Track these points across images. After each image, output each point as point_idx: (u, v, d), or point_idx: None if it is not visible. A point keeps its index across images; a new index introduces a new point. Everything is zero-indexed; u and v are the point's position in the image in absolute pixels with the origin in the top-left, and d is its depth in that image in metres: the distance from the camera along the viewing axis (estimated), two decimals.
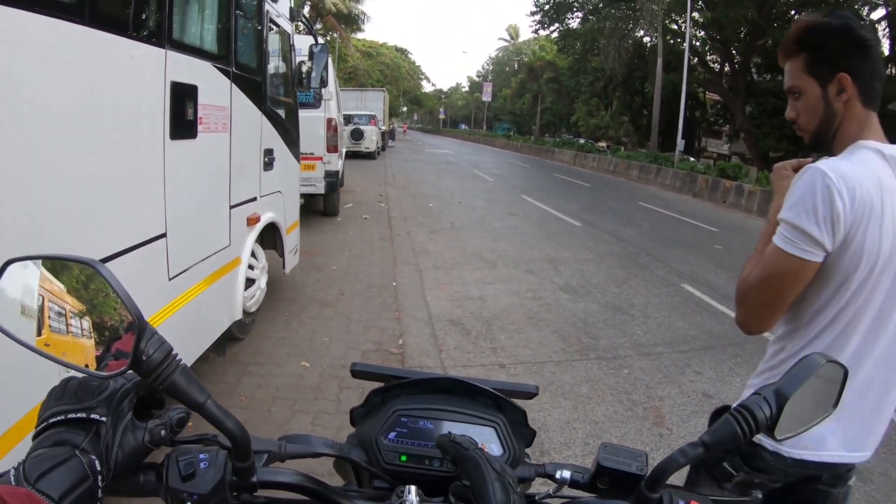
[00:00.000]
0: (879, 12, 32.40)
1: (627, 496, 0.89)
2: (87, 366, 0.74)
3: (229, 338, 5.02)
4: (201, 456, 0.82)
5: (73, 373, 0.76)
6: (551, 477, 1.01)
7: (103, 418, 0.75)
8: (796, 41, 1.77)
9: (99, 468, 0.71)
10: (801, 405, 0.84)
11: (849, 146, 1.65)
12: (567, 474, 0.99)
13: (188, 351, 3.85)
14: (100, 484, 0.71)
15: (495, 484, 0.79)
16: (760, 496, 0.87)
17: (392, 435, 1.03)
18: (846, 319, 1.62)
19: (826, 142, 1.76)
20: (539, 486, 1.06)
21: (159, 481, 0.80)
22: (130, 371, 0.72)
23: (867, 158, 1.59)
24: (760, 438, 1.69)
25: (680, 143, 27.83)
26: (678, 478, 0.90)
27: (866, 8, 33.02)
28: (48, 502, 0.64)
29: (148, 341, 0.71)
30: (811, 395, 0.86)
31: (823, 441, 1.67)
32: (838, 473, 1.76)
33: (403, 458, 1.02)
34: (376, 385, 1.13)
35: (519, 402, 1.15)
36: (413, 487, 0.89)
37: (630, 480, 0.89)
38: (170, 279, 3.41)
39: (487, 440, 1.03)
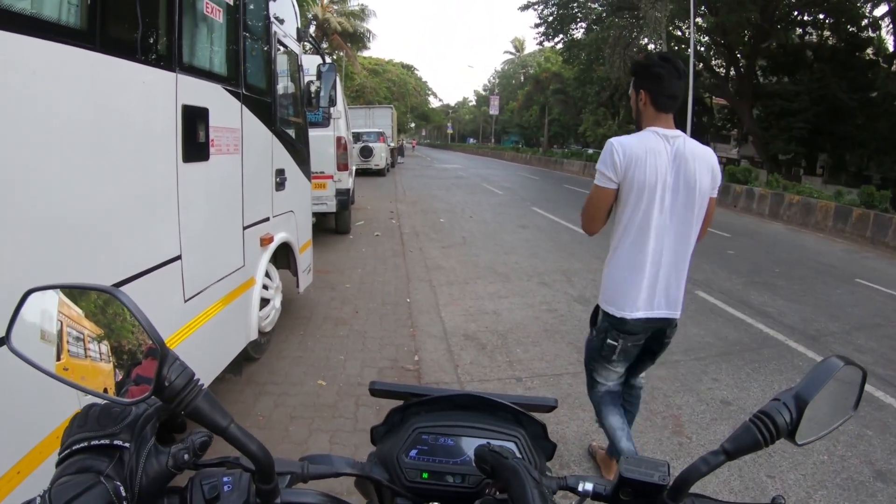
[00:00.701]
0: (882, 8, 32.31)
1: None
2: (106, 391, 0.75)
3: (245, 358, 5.02)
4: (225, 479, 0.82)
5: (93, 399, 0.77)
6: (573, 490, 1.00)
7: (127, 444, 0.75)
8: (630, 71, 3.26)
9: (124, 494, 0.71)
10: (820, 408, 0.84)
11: (643, 129, 3.05)
12: (589, 486, 0.98)
13: (205, 372, 3.86)
14: None
15: (534, 492, 0.79)
16: (783, 502, 0.87)
17: (413, 452, 1.03)
18: (639, 222, 3.05)
19: (638, 127, 3.13)
20: (561, 500, 1.05)
21: None
22: (152, 397, 0.72)
23: (645, 135, 2.99)
24: (607, 306, 3.28)
25: None
26: (700, 486, 0.89)
27: (869, 5, 32.98)
28: None
29: (170, 367, 0.72)
30: (830, 398, 0.85)
31: (659, 302, 3.17)
32: (669, 325, 3.32)
33: (425, 475, 1.02)
34: (395, 403, 1.13)
35: (538, 416, 1.15)
36: None
37: (653, 491, 0.88)
38: (185, 301, 3.43)
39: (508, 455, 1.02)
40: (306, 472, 0.96)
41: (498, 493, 0.91)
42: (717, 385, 5.44)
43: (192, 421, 0.79)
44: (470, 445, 1.03)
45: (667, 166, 2.95)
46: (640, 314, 3.17)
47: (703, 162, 3.00)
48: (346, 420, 4.44)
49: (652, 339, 3.40)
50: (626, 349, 3.33)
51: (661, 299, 3.19)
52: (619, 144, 2.96)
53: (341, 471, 1.00)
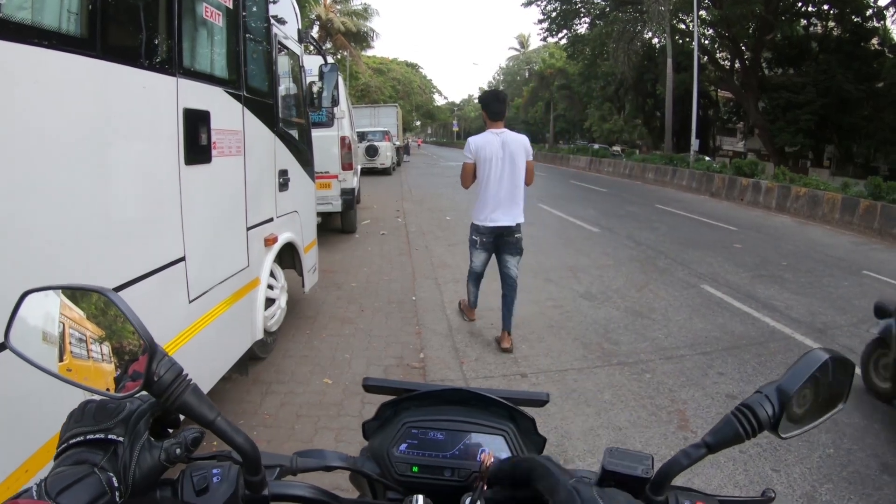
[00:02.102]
0: None
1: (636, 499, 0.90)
2: (107, 389, 0.77)
3: (251, 357, 5.06)
4: (214, 471, 0.84)
5: (91, 395, 0.79)
6: None
7: (120, 438, 0.78)
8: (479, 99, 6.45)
9: (116, 485, 0.74)
10: (806, 401, 0.84)
11: (486, 130, 5.85)
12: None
13: (211, 372, 3.90)
14: (117, 500, 0.73)
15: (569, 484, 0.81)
16: (774, 495, 0.87)
17: (403, 447, 1.05)
18: (486, 176, 5.70)
19: (488, 127, 5.85)
20: None
21: (175, 497, 0.83)
22: (145, 392, 0.75)
23: (485, 134, 5.79)
24: (473, 220, 5.99)
25: (694, 143, 27.72)
26: (705, 480, 0.90)
27: None
28: None
29: (159, 363, 0.75)
30: (817, 391, 0.85)
31: (499, 218, 5.75)
32: (507, 230, 5.84)
33: (415, 468, 1.03)
34: (389, 398, 1.15)
35: (531, 410, 1.16)
36: (421, 497, 0.91)
37: (636, 483, 0.89)
38: (190, 301, 3.46)
39: (497, 449, 1.04)
40: (295, 465, 0.98)
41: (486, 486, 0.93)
42: (722, 379, 5.44)
43: (182, 415, 0.81)
44: (459, 439, 1.05)
45: (498, 148, 5.72)
46: (488, 224, 5.88)
47: (518, 143, 5.80)
48: (351, 418, 4.47)
49: (499, 238, 6.01)
50: (482, 242, 6.05)
51: (499, 215, 5.84)
52: (472, 140, 5.88)
53: (331, 464, 1.01)
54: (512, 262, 6.11)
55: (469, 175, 5.89)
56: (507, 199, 5.76)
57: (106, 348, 0.79)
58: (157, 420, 0.85)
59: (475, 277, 6.49)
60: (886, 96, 32.23)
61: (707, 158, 31.99)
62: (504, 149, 5.69)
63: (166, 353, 0.77)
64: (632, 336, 6.54)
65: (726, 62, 40.22)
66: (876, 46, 35.93)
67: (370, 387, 1.20)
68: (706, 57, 37.14)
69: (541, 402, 1.21)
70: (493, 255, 6.21)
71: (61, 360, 0.79)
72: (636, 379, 5.40)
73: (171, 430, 0.89)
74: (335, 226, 12.01)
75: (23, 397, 2.09)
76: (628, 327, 6.83)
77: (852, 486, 3.87)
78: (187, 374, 0.78)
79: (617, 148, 49.20)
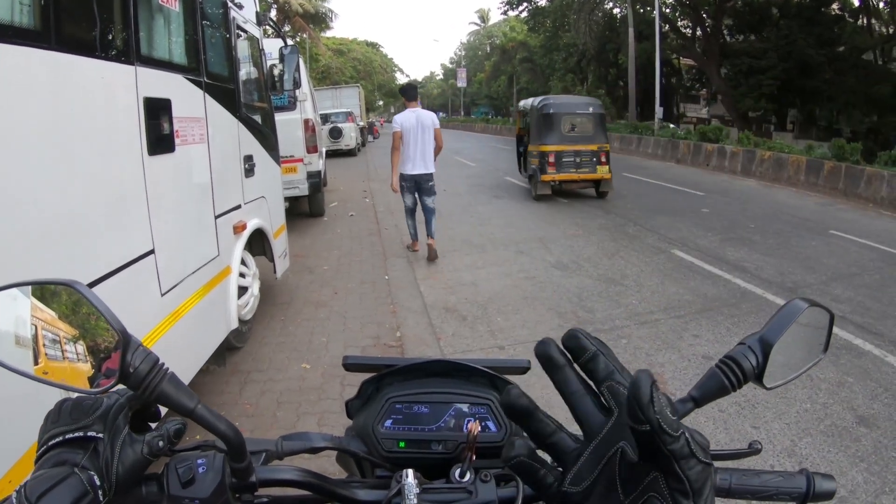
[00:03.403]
0: None
1: None
2: (83, 387, 0.76)
3: (228, 347, 5.02)
4: (199, 461, 0.82)
5: (66, 394, 0.77)
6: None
7: (100, 435, 0.76)
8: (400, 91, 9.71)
9: (99, 483, 0.72)
10: (788, 351, 0.84)
11: (406, 109, 8.34)
12: None
13: (188, 364, 3.86)
14: (101, 499, 0.72)
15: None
16: (760, 447, 0.87)
17: (388, 422, 1.04)
18: (406, 141, 8.19)
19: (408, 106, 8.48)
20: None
21: (161, 491, 0.81)
22: (122, 386, 0.73)
23: (406, 111, 8.30)
24: (400, 171, 8.43)
25: (658, 111, 27.84)
26: None
27: None
28: None
29: (133, 353, 0.72)
30: (798, 341, 0.85)
31: (416, 168, 8.26)
32: (426, 177, 8.38)
33: (402, 444, 1.02)
34: (370, 376, 1.14)
35: (514, 378, 1.16)
36: (410, 471, 0.90)
37: None
38: (162, 294, 3.41)
39: (483, 417, 1.04)
40: (281, 449, 0.97)
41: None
42: (697, 341, 5.52)
43: (161, 406, 0.80)
44: (444, 411, 1.04)
45: (414, 121, 8.07)
46: (408, 172, 8.27)
47: (428, 117, 8.22)
48: (332, 401, 4.46)
49: (418, 183, 8.39)
50: (407, 186, 8.45)
51: (417, 165, 8.23)
52: (397, 117, 8.28)
53: (317, 445, 1.01)
54: (428, 200, 8.55)
55: (398, 140, 8.24)
56: (420, 156, 8.27)
57: (81, 347, 0.77)
58: (137, 414, 0.83)
59: (409, 213, 8.85)
60: (847, 60, 32.76)
61: (671, 126, 32.18)
62: (418, 121, 8.16)
63: (140, 344, 0.74)
64: (606, 303, 6.60)
65: (688, 30, 40.47)
66: (836, 11, 36.42)
67: (350, 365, 1.19)
68: (668, 25, 37.32)
69: (522, 370, 1.20)
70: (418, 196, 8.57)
71: (36, 363, 0.76)
72: (613, 345, 5.38)
73: (151, 424, 0.87)
74: (303, 210, 11.91)
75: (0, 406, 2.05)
76: (602, 295, 6.89)
77: (830, 439, 3.96)
78: (163, 363, 0.76)
79: None
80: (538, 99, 14.84)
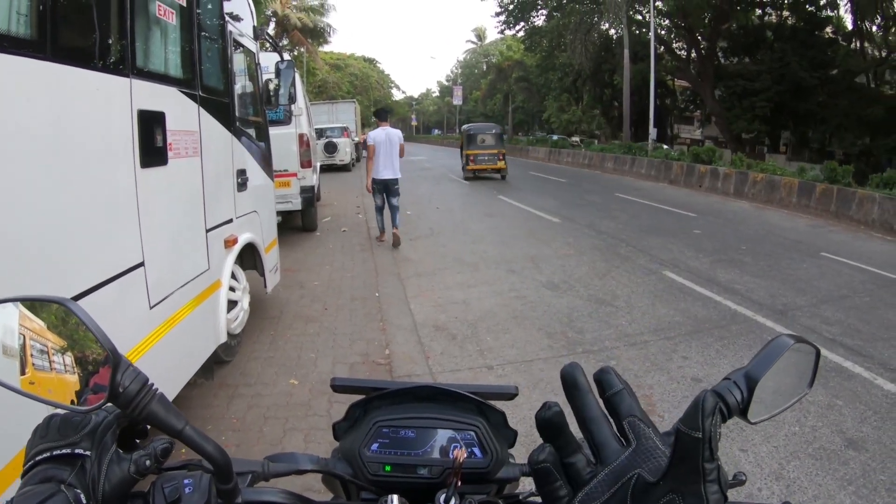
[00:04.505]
0: None
1: None
2: (72, 402, 0.76)
3: (216, 361, 5.00)
4: (185, 481, 0.82)
5: (56, 409, 0.77)
6: None
7: (87, 452, 0.76)
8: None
9: (85, 501, 0.72)
10: (773, 386, 0.85)
11: (378, 127, 10.76)
12: None
13: (176, 377, 3.85)
14: None
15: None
16: (745, 478, 0.88)
17: (375, 446, 1.04)
18: (377, 152, 10.51)
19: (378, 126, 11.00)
20: (525, 486, 1.08)
21: None
22: (110, 404, 0.73)
23: (378, 130, 10.68)
24: (373, 176, 10.71)
25: (652, 132, 28.00)
26: None
27: None
28: None
29: (123, 373, 0.73)
30: (784, 376, 0.86)
31: (384, 174, 10.57)
32: (392, 181, 10.68)
33: (388, 468, 1.02)
34: (357, 398, 1.14)
35: (501, 404, 1.16)
36: (396, 497, 0.90)
37: None
38: (151, 307, 3.40)
39: (469, 444, 1.04)
40: (267, 470, 0.97)
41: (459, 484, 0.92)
42: (687, 363, 5.52)
43: (149, 426, 0.80)
44: (430, 436, 1.05)
45: (384, 137, 10.50)
46: (379, 177, 10.53)
47: (395, 134, 10.69)
48: (319, 418, 4.45)
49: (385, 186, 10.58)
50: (377, 189, 10.66)
51: (386, 172, 10.52)
52: (371, 133, 10.70)
53: (303, 467, 1.01)
54: (394, 199, 10.84)
55: (372, 151, 10.56)
56: (387, 164, 10.58)
57: (69, 359, 0.77)
58: (125, 431, 0.84)
59: (378, 210, 11.16)
60: (840, 83, 33.14)
61: (665, 147, 32.38)
62: (387, 137, 10.56)
63: (130, 363, 0.75)
64: (596, 324, 6.59)
65: (683, 52, 40.80)
66: (830, 35, 36.95)
67: (338, 387, 1.19)
68: (663, 47, 37.62)
69: (510, 396, 1.20)
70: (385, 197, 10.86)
71: (23, 373, 0.76)
72: (602, 366, 5.43)
73: (139, 441, 0.87)
74: (296, 224, 11.91)
75: None
76: (592, 315, 6.89)
77: (819, 462, 3.96)
78: (153, 384, 0.76)
79: (576, 138, 49.50)
80: (465, 126, 27.23)
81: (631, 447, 0.73)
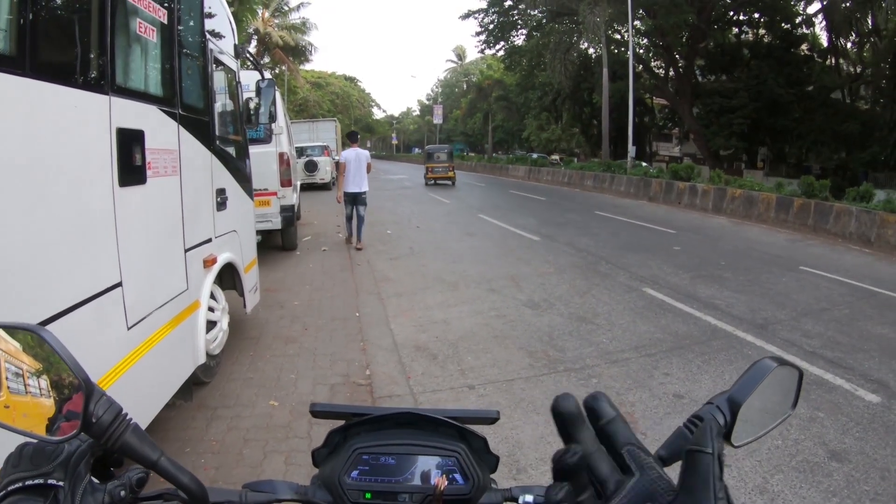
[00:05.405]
0: (815, 6, 33.65)
1: None
2: (47, 430, 0.74)
3: (195, 382, 4.94)
4: None
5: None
6: (515, 501, 1.01)
7: (60, 483, 0.75)
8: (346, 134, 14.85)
9: None
10: (757, 409, 0.85)
11: (349, 148, 12.54)
12: (530, 499, 0.99)
13: (154, 399, 3.80)
14: None
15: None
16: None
17: (354, 473, 1.02)
18: (348, 170, 12.28)
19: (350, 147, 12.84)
20: None
21: None
22: (83, 434, 0.72)
23: (349, 150, 12.44)
24: (345, 190, 12.45)
25: (631, 150, 28.27)
26: None
27: (802, 3, 34.26)
28: None
29: (97, 403, 0.72)
30: (767, 399, 0.87)
31: (352, 188, 12.40)
32: (360, 194, 12.38)
33: (368, 495, 1.01)
34: (337, 424, 1.13)
35: (483, 428, 1.15)
36: None
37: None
38: (129, 328, 3.36)
39: (450, 471, 1.03)
40: (245, 500, 0.96)
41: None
42: (668, 379, 5.54)
43: (124, 456, 0.78)
44: (411, 463, 1.04)
45: (354, 156, 12.28)
46: (349, 190, 12.32)
47: (363, 154, 12.48)
48: (300, 440, 4.41)
49: (355, 199, 12.33)
50: (347, 200, 12.43)
51: (354, 186, 12.29)
52: (344, 153, 12.52)
53: (282, 496, 0.99)
54: (361, 209, 12.43)
55: (343, 168, 12.27)
56: (356, 180, 12.29)
57: (44, 382, 0.75)
58: (100, 460, 0.82)
59: (348, 219, 12.78)
60: (816, 99, 33.77)
61: (644, 164, 32.77)
62: (357, 156, 12.26)
63: (104, 392, 0.74)
64: (577, 342, 6.60)
65: (661, 70, 41.27)
66: (805, 52, 37.66)
67: (318, 412, 1.17)
68: (641, 66, 38.01)
69: (491, 420, 1.19)
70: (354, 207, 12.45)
71: None
72: (583, 384, 5.45)
73: (113, 470, 0.86)
74: (275, 243, 11.87)
75: None
76: (573, 333, 6.90)
77: (802, 475, 3.99)
78: (126, 414, 0.75)
79: (555, 157, 49.95)
80: (427, 147, 38.32)
81: (634, 477, 0.72)
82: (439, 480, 0.94)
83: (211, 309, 5.00)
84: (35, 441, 0.77)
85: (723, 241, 13.41)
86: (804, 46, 37.82)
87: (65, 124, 2.75)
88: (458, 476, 1.02)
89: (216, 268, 5.02)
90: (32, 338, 0.75)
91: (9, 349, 0.75)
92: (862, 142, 31.58)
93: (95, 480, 0.79)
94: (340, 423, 1.11)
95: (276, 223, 10.64)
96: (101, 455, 0.82)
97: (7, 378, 0.74)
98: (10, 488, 0.74)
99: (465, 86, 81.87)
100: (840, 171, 31.94)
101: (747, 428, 0.82)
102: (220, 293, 5.37)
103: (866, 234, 13.15)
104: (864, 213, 13.38)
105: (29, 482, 0.74)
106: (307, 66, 55.99)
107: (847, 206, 14.15)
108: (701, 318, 7.43)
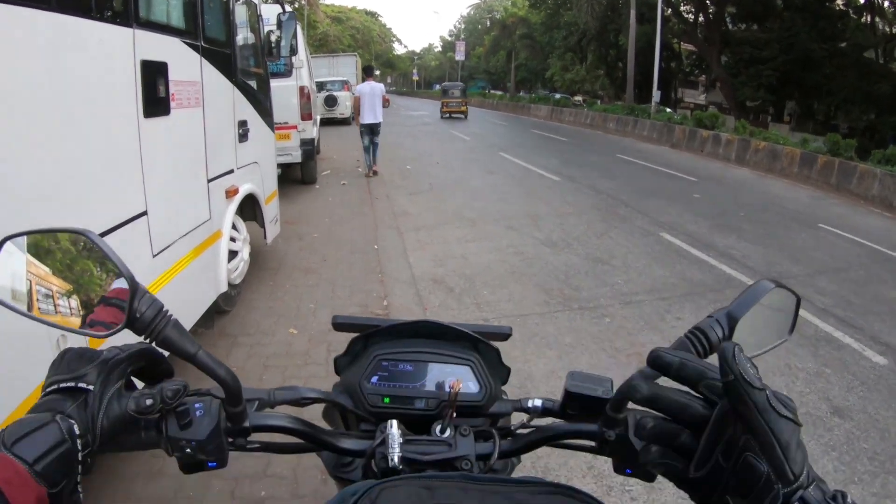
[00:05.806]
0: None
1: (596, 419, 0.95)
2: (83, 325, 0.80)
3: (216, 311, 5.07)
4: (196, 405, 0.87)
5: (70, 343, 0.81)
6: (526, 409, 1.07)
7: (90, 386, 0.78)
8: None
9: (79, 433, 0.73)
10: (755, 329, 0.89)
11: (365, 82, 13.42)
12: (539, 403, 1.05)
13: None
14: (79, 448, 0.73)
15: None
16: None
17: (374, 379, 1.08)
18: (364, 102, 13.02)
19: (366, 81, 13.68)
20: (517, 421, 1.13)
21: (159, 434, 0.85)
22: (125, 342, 0.77)
23: (364, 84, 13.34)
24: (361, 120, 13.28)
25: (656, 95, 27.72)
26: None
27: None
28: (22, 464, 0.66)
29: (140, 300, 0.77)
30: (765, 321, 0.91)
31: (369, 119, 12.99)
32: (376, 124, 13.17)
33: (386, 399, 1.06)
34: (358, 335, 1.18)
35: (498, 343, 1.20)
36: (395, 422, 0.95)
37: (597, 404, 0.94)
38: (154, 256, 3.45)
39: (464, 378, 1.07)
40: (273, 398, 1.03)
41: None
42: (680, 323, 5.59)
43: (164, 350, 0.84)
44: (427, 370, 1.09)
45: (370, 90, 13.00)
46: (365, 122, 13.04)
47: (378, 87, 13.16)
48: (318, 367, 4.52)
49: (371, 129, 13.08)
50: (364, 132, 13.20)
51: (370, 117, 12.98)
52: (359, 87, 13.66)
53: (307, 396, 1.05)
54: (377, 138, 13.30)
55: (358, 102, 13.14)
56: (372, 111, 12.92)
57: (74, 302, 0.81)
58: (147, 372, 0.87)
59: (366, 150, 13.45)
60: (849, 56, 32.79)
61: (668, 110, 32.12)
62: (372, 90, 12.94)
63: (147, 291, 0.79)
64: (592, 282, 6.66)
65: (690, 15, 40.22)
66: (841, 7, 36.35)
67: (339, 324, 1.22)
68: (670, 9, 37.08)
69: (504, 336, 1.24)
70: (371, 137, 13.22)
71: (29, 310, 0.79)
72: (596, 323, 5.52)
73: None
74: (295, 177, 11.89)
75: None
76: (588, 273, 6.95)
77: (804, 428, 4.02)
78: (167, 310, 0.80)
79: (579, 98, 49.10)
80: (442, 84, 46.19)
81: (717, 407, 0.75)
82: (454, 383, 0.99)
83: (232, 239, 5.09)
84: (77, 347, 0.83)
85: (744, 193, 13.24)
86: (840, 1, 36.60)
87: (90, 57, 2.79)
88: (471, 383, 1.08)
89: (238, 198, 5.08)
90: (62, 261, 0.80)
91: (39, 272, 0.80)
92: (893, 104, 30.54)
93: (124, 390, 0.83)
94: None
95: (295, 156, 10.64)
96: (149, 367, 0.88)
97: (38, 300, 0.79)
98: (48, 390, 0.78)
99: (488, 23, 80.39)
100: (868, 133, 31.16)
101: (745, 345, 0.86)
102: (241, 223, 5.45)
103: (889, 197, 12.83)
104: (888, 177, 13.03)
105: (63, 384, 0.78)
106: (327, 1, 55.17)
107: (871, 167, 13.78)
108: (716, 267, 7.44)
